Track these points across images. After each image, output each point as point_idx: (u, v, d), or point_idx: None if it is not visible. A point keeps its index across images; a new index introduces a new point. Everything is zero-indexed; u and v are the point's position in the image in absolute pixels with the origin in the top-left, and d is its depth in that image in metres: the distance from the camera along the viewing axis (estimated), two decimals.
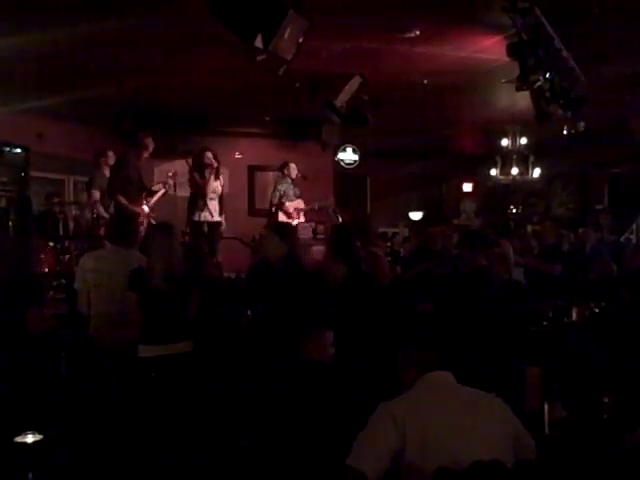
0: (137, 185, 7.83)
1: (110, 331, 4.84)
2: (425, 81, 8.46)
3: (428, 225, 12.14)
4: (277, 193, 9.91)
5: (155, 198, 8.30)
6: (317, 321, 4.06)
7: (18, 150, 8.30)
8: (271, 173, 11.19)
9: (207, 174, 8.83)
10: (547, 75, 6.34)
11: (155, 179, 9.13)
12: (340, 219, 9.92)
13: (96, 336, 4.92)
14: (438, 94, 9.04)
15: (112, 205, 7.86)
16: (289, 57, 5.30)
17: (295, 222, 9.69)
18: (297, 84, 7.67)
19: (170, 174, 8.71)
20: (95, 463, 4.03)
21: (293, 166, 9.98)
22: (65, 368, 4.89)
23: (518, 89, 6.48)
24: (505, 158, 12.65)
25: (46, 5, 5.76)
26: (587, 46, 6.73)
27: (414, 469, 2.57)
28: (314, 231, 10.07)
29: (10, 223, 7.40)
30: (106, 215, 8.00)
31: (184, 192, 9.22)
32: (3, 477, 2.89)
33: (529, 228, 13.04)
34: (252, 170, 11.96)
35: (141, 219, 7.64)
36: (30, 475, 2.75)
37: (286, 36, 5.02)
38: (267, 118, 11.11)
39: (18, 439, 2.81)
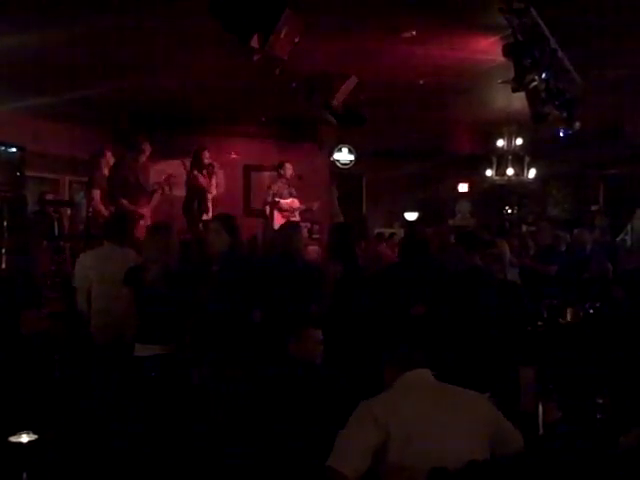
0: (137, 187, 7.90)
1: (110, 328, 4.86)
2: (421, 81, 8.47)
3: (425, 225, 12.16)
4: (271, 192, 9.92)
5: (155, 199, 8.35)
6: (300, 321, 4.06)
7: (13, 149, 8.27)
8: (267, 173, 11.19)
9: (208, 174, 8.87)
10: (543, 76, 6.35)
11: (151, 179, 9.13)
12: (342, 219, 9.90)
13: (96, 333, 4.94)
14: (434, 94, 9.05)
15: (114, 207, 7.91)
16: (285, 57, 5.29)
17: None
18: (293, 84, 7.66)
19: (165, 176, 8.73)
20: (90, 463, 4.02)
21: (288, 166, 9.98)
22: (59, 368, 4.88)
23: (514, 90, 6.49)
24: (501, 159, 12.67)
25: (43, 4, 5.75)
26: (583, 47, 6.75)
27: (396, 466, 2.59)
28: (309, 231, 10.07)
29: (5, 223, 7.39)
30: (107, 214, 8.02)
31: (180, 192, 9.24)
32: None
33: (524, 228, 13.09)
34: (248, 170, 11.95)
35: (143, 221, 7.70)
36: (24, 475, 2.75)
37: (282, 36, 5.01)
38: (263, 118, 11.11)
39: (13, 439, 2.81)
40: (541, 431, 3.37)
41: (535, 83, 6.37)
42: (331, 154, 12.77)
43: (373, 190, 15.33)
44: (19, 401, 4.02)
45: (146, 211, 8.05)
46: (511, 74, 6.26)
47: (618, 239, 11.24)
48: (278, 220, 9.57)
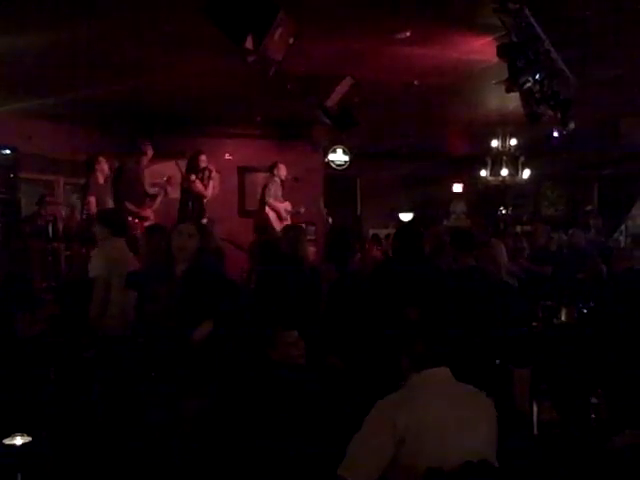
0: (140, 190, 7.95)
1: (123, 319, 4.87)
2: (416, 82, 8.47)
3: (420, 226, 12.14)
4: (264, 192, 9.90)
5: (157, 201, 8.39)
6: (273, 323, 4.06)
7: (7, 151, 8.26)
8: (261, 174, 11.18)
9: (205, 178, 8.87)
10: (537, 76, 6.36)
11: (146, 181, 9.12)
12: (330, 220, 9.88)
13: (111, 321, 4.94)
14: (428, 95, 9.05)
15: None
16: (280, 58, 5.29)
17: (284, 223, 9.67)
18: (288, 85, 7.66)
19: (165, 178, 8.74)
20: (84, 465, 4.02)
21: (282, 166, 9.98)
22: (54, 371, 4.88)
23: (508, 90, 6.50)
24: (495, 159, 12.68)
25: (41, 5, 5.74)
26: (576, 47, 6.76)
27: (407, 465, 2.56)
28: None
29: None
30: None
31: (174, 194, 9.23)
32: None
33: (518, 229, 13.10)
34: (242, 171, 11.93)
35: (148, 223, 7.74)
36: (19, 476, 2.75)
37: (276, 37, 5.01)
38: (258, 119, 11.10)
39: (7, 441, 2.81)
40: (535, 430, 3.38)
41: (529, 84, 6.37)
42: (326, 155, 12.76)
43: (367, 191, 15.32)
44: (14, 404, 4.02)
45: (149, 213, 8.08)
46: (505, 74, 6.27)
47: (612, 239, 11.26)
48: (276, 223, 9.58)
